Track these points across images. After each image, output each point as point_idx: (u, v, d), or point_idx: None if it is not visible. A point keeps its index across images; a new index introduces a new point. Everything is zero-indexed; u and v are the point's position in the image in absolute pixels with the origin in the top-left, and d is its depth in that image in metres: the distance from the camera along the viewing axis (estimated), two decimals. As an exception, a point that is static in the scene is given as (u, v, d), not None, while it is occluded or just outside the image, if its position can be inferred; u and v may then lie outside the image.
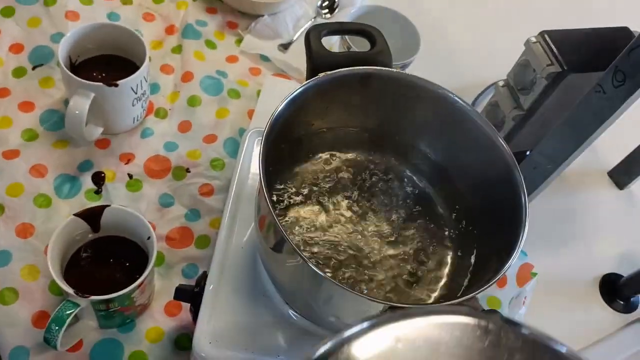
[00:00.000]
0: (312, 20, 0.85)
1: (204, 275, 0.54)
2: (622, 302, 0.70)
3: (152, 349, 0.55)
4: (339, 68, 0.51)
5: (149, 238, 0.53)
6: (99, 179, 0.64)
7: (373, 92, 0.54)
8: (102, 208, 0.54)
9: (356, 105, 0.56)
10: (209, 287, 0.53)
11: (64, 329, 0.48)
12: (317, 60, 0.51)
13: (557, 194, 0.78)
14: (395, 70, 0.53)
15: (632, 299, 0.70)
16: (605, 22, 0.66)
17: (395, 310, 0.40)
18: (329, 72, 0.50)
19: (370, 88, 0.53)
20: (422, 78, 0.52)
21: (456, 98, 0.52)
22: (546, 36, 0.65)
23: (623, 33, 0.65)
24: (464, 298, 0.41)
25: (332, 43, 0.80)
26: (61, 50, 0.61)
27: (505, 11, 0.98)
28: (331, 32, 0.54)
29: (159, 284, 0.59)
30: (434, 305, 0.48)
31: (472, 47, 0.88)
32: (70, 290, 0.49)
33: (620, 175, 0.81)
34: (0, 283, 0.55)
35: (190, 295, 0.53)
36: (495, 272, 0.43)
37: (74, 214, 0.53)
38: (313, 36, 0.52)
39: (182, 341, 0.56)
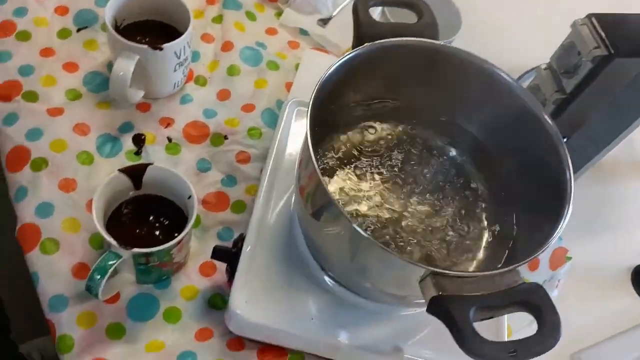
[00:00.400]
0: (352, -3, 0.85)
1: (241, 237, 0.55)
2: (653, 293, 0.69)
3: (187, 306, 0.56)
4: (385, 39, 0.51)
5: (189, 197, 0.54)
6: (139, 140, 0.65)
7: (417, 65, 0.54)
8: (145, 166, 0.55)
9: (399, 78, 0.56)
10: (247, 249, 0.54)
11: (105, 278, 0.49)
12: (364, 30, 0.51)
13: (592, 183, 0.77)
14: (440, 42, 0.52)
15: (663, 290, 0.69)
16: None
17: (437, 275, 0.40)
18: (376, 42, 0.50)
19: (415, 60, 0.53)
20: (467, 51, 0.52)
21: (501, 73, 0.52)
22: (594, 19, 0.64)
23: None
24: (505, 269, 0.41)
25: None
26: (108, 12, 0.62)
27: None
28: (379, 2, 0.54)
29: (195, 245, 0.60)
30: (474, 272, 0.48)
31: (514, 29, 0.87)
32: (113, 242, 0.50)
33: (657, 167, 0.79)
34: (43, 233, 0.57)
35: (228, 255, 0.54)
36: (539, 245, 0.43)
37: (119, 170, 0.54)
38: (361, 6, 0.52)
39: (215, 301, 0.57)
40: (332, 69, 0.47)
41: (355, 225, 0.40)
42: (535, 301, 0.40)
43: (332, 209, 0.43)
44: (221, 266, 0.59)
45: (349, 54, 0.48)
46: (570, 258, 0.63)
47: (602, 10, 0.64)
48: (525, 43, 0.83)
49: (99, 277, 0.49)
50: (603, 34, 0.62)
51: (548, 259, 0.64)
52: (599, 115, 0.58)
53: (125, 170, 0.54)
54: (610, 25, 0.63)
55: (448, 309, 0.38)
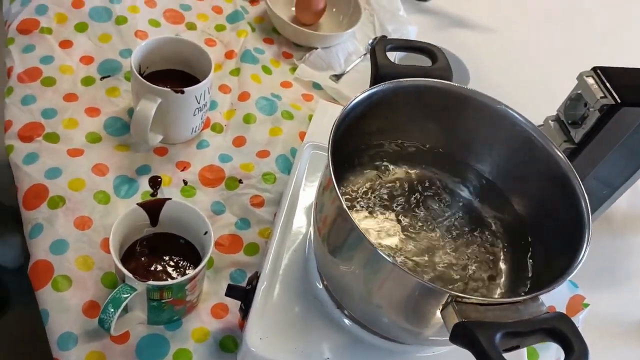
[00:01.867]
0: (363, 56, 0.89)
1: (256, 275, 0.55)
2: (673, 347, 0.67)
3: (198, 348, 0.55)
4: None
5: (205, 233, 0.54)
6: (155, 182, 0.66)
7: (432, 105, 0.56)
8: (164, 201, 0.55)
9: (414, 118, 0.57)
10: (262, 286, 0.53)
11: (119, 311, 0.48)
12: (382, 70, 0.54)
13: (603, 234, 0.77)
14: (455, 84, 0.54)
15: (684, 344, 0.68)
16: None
17: (459, 303, 0.40)
18: (393, 80, 0.52)
19: (430, 101, 0.55)
20: (481, 92, 0.54)
21: (514, 113, 0.54)
22: (599, 71, 0.66)
23: (674, 73, 0.66)
24: (528, 296, 0.41)
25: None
26: (134, 59, 0.65)
27: (551, 51, 1.01)
28: (396, 47, 0.56)
29: (207, 287, 0.59)
30: (497, 299, 0.47)
31: (519, 84, 0.91)
32: (129, 274, 0.49)
33: (667, 222, 0.80)
34: (56, 270, 0.56)
35: (242, 292, 0.53)
36: (560, 275, 0.43)
37: (137, 204, 0.54)
38: (379, 48, 0.54)
39: (227, 343, 0.56)
40: (353, 102, 0.48)
41: (379, 250, 0.40)
42: (562, 329, 0.39)
43: (355, 237, 0.43)
44: (233, 308, 0.58)
45: (368, 90, 0.50)
46: (587, 305, 0.62)
47: (597, 64, 0.67)
48: (532, 98, 0.86)
49: (112, 310, 0.48)
50: (608, 85, 0.65)
51: (565, 306, 0.63)
52: (608, 162, 0.59)
53: (143, 205, 0.54)
54: (614, 77, 0.65)
55: (474, 334, 0.37)
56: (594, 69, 0.67)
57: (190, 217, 0.56)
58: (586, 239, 0.44)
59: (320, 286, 0.54)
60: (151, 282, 0.50)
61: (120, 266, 0.50)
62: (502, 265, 0.53)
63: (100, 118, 0.70)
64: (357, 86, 0.84)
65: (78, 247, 0.58)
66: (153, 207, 0.55)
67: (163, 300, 0.52)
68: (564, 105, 0.71)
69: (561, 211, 0.49)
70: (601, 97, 0.64)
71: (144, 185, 0.65)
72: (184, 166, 0.68)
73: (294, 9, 0.90)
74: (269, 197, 0.67)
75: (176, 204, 0.56)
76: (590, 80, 0.66)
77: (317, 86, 0.82)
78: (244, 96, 0.76)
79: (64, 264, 0.57)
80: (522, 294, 0.49)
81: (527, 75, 0.95)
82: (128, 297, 0.49)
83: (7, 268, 1.20)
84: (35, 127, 0.67)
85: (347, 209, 0.42)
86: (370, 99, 0.51)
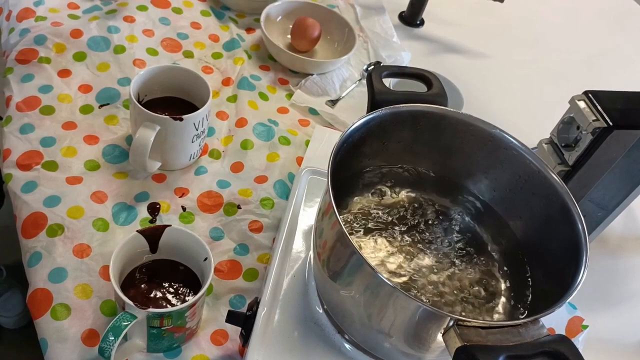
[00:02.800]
0: (357, 82, 0.90)
1: (256, 301, 0.55)
2: (672, 367, 0.67)
3: (198, 376, 0.54)
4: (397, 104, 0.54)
5: (205, 259, 0.54)
6: (154, 209, 0.66)
7: (428, 130, 0.56)
8: (164, 227, 0.55)
9: (411, 143, 0.58)
10: (262, 311, 0.53)
11: (119, 339, 0.48)
12: (379, 96, 0.54)
13: (599, 256, 0.78)
14: (450, 109, 0.55)
15: (683, 364, 0.68)
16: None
17: (461, 326, 0.40)
18: (390, 106, 0.53)
19: (426, 126, 0.56)
20: (476, 117, 0.55)
21: (510, 137, 0.54)
22: (590, 95, 0.68)
23: (663, 96, 0.67)
24: (529, 319, 0.41)
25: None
26: (133, 87, 0.66)
27: (543, 76, 1.03)
28: (391, 74, 0.57)
29: (206, 313, 0.59)
30: (499, 322, 0.47)
31: (512, 108, 0.92)
32: (129, 301, 0.49)
33: (662, 242, 0.80)
34: (55, 299, 0.56)
35: (243, 318, 0.53)
36: (560, 298, 0.43)
37: (137, 231, 0.54)
38: (375, 75, 0.55)
39: (228, 370, 0.55)
40: (351, 128, 0.49)
41: (380, 274, 0.41)
42: (564, 352, 0.39)
43: (356, 262, 0.44)
44: (233, 334, 0.58)
45: (365, 116, 0.51)
46: (586, 326, 0.63)
47: (588, 87, 0.69)
48: (525, 122, 0.87)
49: (112, 338, 0.48)
50: (600, 108, 0.66)
51: (564, 328, 0.63)
52: (602, 185, 0.60)
53: (143, 232, 0.55)
54: (605, 100, 0.67)
55: (477, 358, 0.37)
56: (586, 92, 0.69)
57: (190, 243, 0.56)
58: (584, 261, 0.45)
59: (321, 311, 0.54)
60: (151, 310, 0.49)
61: (120, 294, 0.50)
62: (502, 288, 0.53)
63: (98, 146, 0.70)
64: (353, 111, 0.85)
65: (77, 275, 0.58)
66: (152, 234, 0.55)
67: (163, 328, 0.52)
68: (557, 129, 0.72)
69: (558, 233, 0.50)
70: (593, 120, 0.65)
71: (142, 212, 0.65)
72: (182, 192, 0.68)
73: (289, 36, 0.91)
74: (268, 222, 0.67)
75: (176, 230, 0.56)
76: (582, 104, 0.68)
77: (313, 112, 0.83)
78: (241, 122, 0.77)
79: (63, 293, 0.57)
80: (522, 316, 0.50)
81: (520, 100, 0.97)
82: (128, 325, 0.49)
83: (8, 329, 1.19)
84: (34, 156, 0.67)
85: (347, 234, 0.42)
86: (368, 125, 0.52)
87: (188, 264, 0.57)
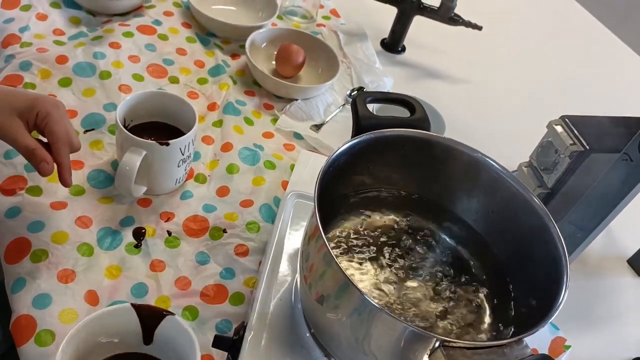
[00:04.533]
0: (341, 107, 0.91)
1: (243, 325, 0.55)
2: (654, 386, 0.69)
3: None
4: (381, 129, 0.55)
5: None
6: (139, 234, 0.66)
7: (412, 154, 0.58)
8: (164, 315, 0.50)
9: (396, 167, 0.59)
10: (249, 336, 0.53)
11: None
12: (363, 122, 0.56)
13: (580, 277, 0.79)
14: (433, 133, 0.57)
15: (664, 383, 0.69)
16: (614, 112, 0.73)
17: (447, 347, 0.41)
18: (374, 131, 0.54)
19: (410, 150, 0.57)
20: (458, 141, 0.57)
21: (491, 161, 0.56)
22: (567, 120, 0.70)
23: (637, 120, 0.70)
24: (513, 339, 0.42)
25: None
26: (119, 112, 0.66)
27: (521, 101, 1.06)
28: (375, 99, 0.59)
29: (192, 338, 0.59)
30: (484, 342, 0.48)
31: (493, 132, 0.94)
32: None
33: (639, 263, 0.82)
34: (39, 325, 0.55)
35: (229, 343, 0.53)
36: (543, 318, 0.44)
37: (132, 304, 0.49)
38: (359, 101, 0.57)
39: (214, 396, 0.55)
40: (336, 152, 0.50)
41: (366, 296, 0.41)
42: (546, 371, 0.40)
43: (343, 285, 0.44)
44: (219, 359, 0.57)
45: (350, 141, 0.52)
46: (569, 347, 0.64)
47: (564, 112, 0.71)
48: (505, 146, 0.89)
49: None
50: (577, 132, 0.68)
51: (547, 348, 0.64)
52: (581, 206, 0.61)
53: (139, 309, 0.49)
54: (581, 125, 0.69)
55: (462, 377, 0.38)
56: (563, 117, 0.71)
57: (183, 342, 0.49)
58: (565, 282, 0.46)
59: (308, 334, 0.55)
60: None
61: None
62: (487, 309, 0.54)
63: (83, 171, 0.70)
64: (337, 135, 0.86)
65: (61, 300, 0.58)
66: (150, 317, 0.49)
67: None
68: (536, 152, 0.74)
69: (540, 254, 0.51)
70: (570, 144, 0.67)
71: (128, 236, 0.65)
72: (167, 217, 0.68)
73: (274, 62, 0.93)
74: (254, 246, 0.68)
75: (177, 322, 0.50)
76: (560, 128, 0.70)
77: (298, 136, 0.84)
78: (226, 147, 0.78)
79: (47, 319, 0.56)
80: (507, 337, 0.50)
81: (500, 124, 0.99)
82: None
83: None
84: (18, 181, 0.67)
85: (334, 256, 0.43)
86: (353, 149, 0.53)
87: None
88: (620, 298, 0.79)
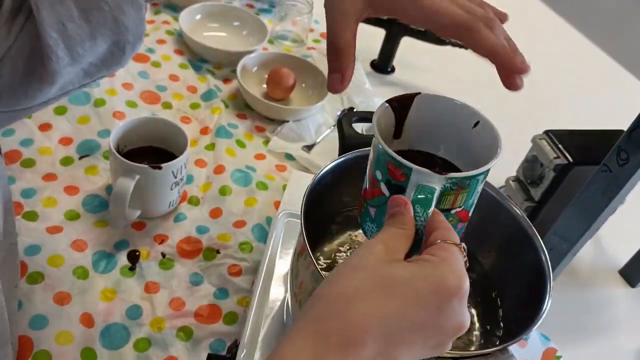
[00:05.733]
0: (332, 127, 0.93)
1: (236, 344, 0.56)
2: (648, 396, 0.69)
3: (178, 422, 0.55)
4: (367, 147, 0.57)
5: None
6: (133, 257, 0.67)
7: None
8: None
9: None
10: (241, 353, 0.54)
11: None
12: (348, 140, 0.57)
13: (571, 289, 0.80)
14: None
15: (658, 393, 0.69)
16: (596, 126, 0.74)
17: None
18: (360, 149, 0.56)
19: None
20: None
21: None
22: (551, 134, 0.72)
23: (618, 133, 0.72)
24: (497, 348, 0.43)
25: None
26: (112, 138, 0.68)
27: (505, 117, 1.07)
28: (361, 118, 0.60)
29: (186, 358, 0.59)
30: (469, 351, 0.48)
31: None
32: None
33: (631, 274, 0.83)
34: (35, 345, 0.56)
35: (222, 361, 0.54)
36: (530, 323, 0.45)
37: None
38: (345, 120, 0.58)
39: (209, 415, 0.55)
40: (322, 171, 0.51)
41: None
42: (530, 378, 0.41)
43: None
44: (214, 378, 0.58)
45: (336, 160, 0.53)
46: (560, 357, 0.64)
47: (548, 127, 0.72)
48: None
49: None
50: (560, 146, 0.70)
51: (539, 359, 0.64)
52: (570, 210, 0.62)
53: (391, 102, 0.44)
54: (565, 139, 0.71)
55: (447, 387, 0.39)
56: (546, 132, 0.73)
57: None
58: (548, 291, 0.47)
59: (299, 351, 0.55)
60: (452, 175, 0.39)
61: None
62: (475, 320, 0.55)
63: (78, 196, 0.71)
64: (328, 155, 0.88)
65: (58, 322, 0.59)
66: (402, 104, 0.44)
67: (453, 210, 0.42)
68: (521, 167, 0.76)
69: (524, 265, 0.52)
70: (554, 158, 0.69)
71: (122, 259, 0.66)
72: (161, 239, 0.69)
73: (265, 85, 0.95)
74: (247, 266, 0.69)
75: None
76: (544, 143, 0.71)
77: (289, 157, 0.86)
78: (219, 169, 0.79)
79: (44, 340, 0.57)
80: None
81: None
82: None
83: None
84: (15, 207, 0.68)
85: (320, 272, 0.44)
86: (340, 167, 0.55)
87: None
88: (612, 309, 0.80)
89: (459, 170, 0.44)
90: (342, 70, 0.41)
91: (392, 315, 0.30)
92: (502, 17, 0.43)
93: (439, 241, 0.35)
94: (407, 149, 0.45)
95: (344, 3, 0.40)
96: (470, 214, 0.43)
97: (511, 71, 0.38)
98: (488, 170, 0.40)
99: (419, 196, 0.37)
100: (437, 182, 0.38)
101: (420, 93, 0.44)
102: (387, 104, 0.44)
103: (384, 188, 0.41)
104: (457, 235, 0.36)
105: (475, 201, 0.42)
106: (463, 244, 0.35)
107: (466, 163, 0.43)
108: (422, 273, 0.32)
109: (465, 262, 0.35)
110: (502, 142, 0.41)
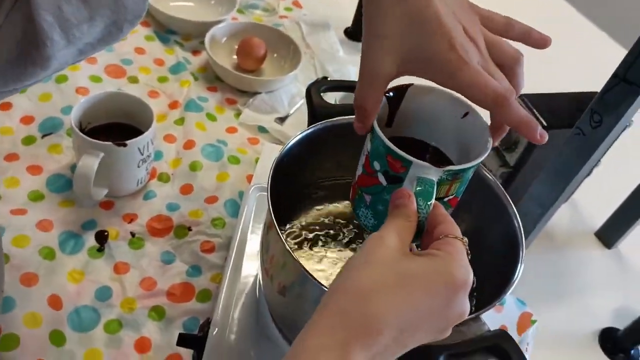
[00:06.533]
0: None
1: (208, 322, 0.55)
2: (622, 355, 0.70)
3: (152, 403, 0.54)
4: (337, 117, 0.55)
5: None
6: (102, 237, 0.65)
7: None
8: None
9: (353, 154, 0.59)
10: (213, 332, 0.53)
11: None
12: (317, 111, 0.55)
13: (548, 252, 0.80)
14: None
15: (632, 352, 0.70)
16: (571, 89, 0.73)
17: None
18: (328, 119, 0.54)
19: (364, 138, 0.57)
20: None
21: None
22: (525, 99, 0.70)
23: (592, 96, 0.71)
24: (469, 316, 0.42)
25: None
26: (74, 115, 0.65)
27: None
28: (330, 87, 0.58)
29: (159, 338, 0.58)
30: None
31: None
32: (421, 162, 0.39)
33: (607, 235, 0.83)
34: (3, 328, 0.55)
35: (194, 340, 0.53)
36: (500, 293, 0.44)
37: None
38: (314, 90, 0.56)
39: (183, 394, 0.55)
40: (290, 143, 0.50)
41: (325, 287, 0.41)
42: (503, 346, 0.40)
43: (300, 275, 0.44)
44: (188, 358, 0.57)
45: (305, 130, 0.52)
46: (535, 321, 0.64)
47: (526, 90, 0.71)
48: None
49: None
50: (535, 111, 0.69)
51: (515, 324, 0.64)
52: (544, 175, 0.62)
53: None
54: (539, 103, 0.70)
55: (417, 358, 0.38)
56: (521, 96, 0.71)
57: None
58: (521, 257, 0.46)
59: (273, 327, 0.54)
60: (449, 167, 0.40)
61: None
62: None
63: (42, 176, 0.69)
64: (302, 127, 0.85)
65: (25, 304, 0.57)
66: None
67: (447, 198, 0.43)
68: (497, 132, 0.74)
69: (497, 232, 0.51)
70: (528, 122, 0.68)
71: (90, 240, 0.65)
72: (130, 218, 0.68)
73: (235, 57, 0.92)
74: (220, 242, 0.67)
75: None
76: (518, 107, 0.70)
77: (262, 129, 0.84)
78: (189, 144, 0.77)
79: (11, 322, 0.55)
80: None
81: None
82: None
83: None
84: (-25, 190, 0.66)
85: (289, 248, 0.43)
86: (309, 138, 0.53)
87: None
88: (588, 271, 0.80)
89: (449, 160, 0.46)
90: (365, 128, 0.44)
91: (407, 307, 0.33)
92: (545, 42, 0.45)
93: (443, 236, 0.37)
94: (402, 136, 0.46)
95: (377, 65, 0.41)
96: (458, 200, 0.45)
97: (533, 141, 0.41)
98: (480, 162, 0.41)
99: (419, 188, 0.38)
100: (434, 174, 0.39)
101: (413, 84, 0.45)
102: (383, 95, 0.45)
103: (381, 178, 0.42)
104: (459, 229, 0.38)
105: (464, 188, 0.44)
106: (465, 238, 0.37)
107: (457, 152, 0.44)
108: (433, 267, 0.35)
109: (468, 254, 0.37)
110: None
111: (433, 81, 0.42)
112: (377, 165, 0.42)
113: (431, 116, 0.46)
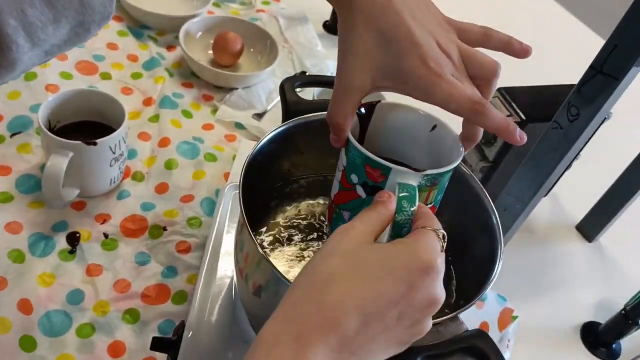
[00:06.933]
0: (284, 93, 0.89)
1: (182, 325, 0.53)
2: (604, 350, 0.70)
3: (126, 408, 0.52)
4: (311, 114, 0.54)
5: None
6: (73, 239, 0.63)
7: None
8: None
9: (328, 151, 0.57)
10: (188, 335, 0.51)
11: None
12: (291, 107, 0.54)
13: (528, 246, 0.80)
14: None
15: (613, 346, 0.70)
16: (551, 81, 0.72)
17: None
18: (302, 116, 0.53)
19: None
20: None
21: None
22: (503, 92, 0.70)
23: (570, 88, 0.70)
24: (447, 317, 0.41)
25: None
26: (41, 114, 0.63)
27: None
28: (304, 83, 0.57)
29: (134, 342, 0.57)
30: None
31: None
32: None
33: (588, 229, 0.83)
34: (-32, 339, 0.53)
35: (168, 344, 0.51)
36: (479, 291, 0.43)
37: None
38: (287, 86, 0.55)
39: (158, 399, 0.53)
40: (262, 141, 0.48)
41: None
42: (481, 346, 0.39)
43: (275, 277, 0.43)
44: (163, 360, 0.56)
45: (278, 127, 0.50)
46: (516, 317, 0.64)
47: (500, 85, 0.71)
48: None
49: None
50: (513, 104, 0.68)
51: (496, 320, 0.64)
52: (522, 170, 0.61)
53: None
54: (518, 96, 0.69)
55: (394, 360, 0.37)
56: (499, 89, 0.71)
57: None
58: (499, 254, 0.46)
59: (251, 329, 0.53)
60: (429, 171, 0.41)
61: None
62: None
63: (11, 176, 0.67)
64: (280, 123, 0.84)
65: (-8, 310, 0.55)
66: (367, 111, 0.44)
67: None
68: (476, 126, 0.74)
69: (476, 229, 0.51)
70: (507, 116, 0.67)
71: (61, 242, 0.63)
72: (103, 219, 0.66)
73: (211, 52, 0.90)
74: (196, 242, 0.66)
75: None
76: (497, 101, 0.69)
77: (239, 126, 0.82)
78: (164, 142, 0.75)
79: (-22, 331, 0.54)
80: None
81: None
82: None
83: None
84: (-60, 192, 0.63)
85: (261, 250, 0.42)
86: (283, 136, 0.52)
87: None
88: (569, 264, 0.80)
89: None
90: (341, 141, 0.43)
91: (367, 294, 0.31)
92: (525, 52, 0.45)
93: (419, 229, 0.36)
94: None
95: (351, 78, 0.41)
96: (437, 209, 0.45)
97: (513, 143, 0.41)
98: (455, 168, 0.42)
99: (403, 194, 0.38)
100: (414, 179, 0.39)
101: (380, 101, 0.45)
102: None
103: (360, 191, 0.42)
104: (439, 223, 0.37)
105: (441, 197, 0.44)
106: (442, 231, 0.36)
107: (429, 165, 0.44)
108: (396, 252, 0.33)
109: (442, 245, 0.35)
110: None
111: (410, 96, 0.41)
112: (354, 178, 0.42)
113: (401, 131, 0.46)
